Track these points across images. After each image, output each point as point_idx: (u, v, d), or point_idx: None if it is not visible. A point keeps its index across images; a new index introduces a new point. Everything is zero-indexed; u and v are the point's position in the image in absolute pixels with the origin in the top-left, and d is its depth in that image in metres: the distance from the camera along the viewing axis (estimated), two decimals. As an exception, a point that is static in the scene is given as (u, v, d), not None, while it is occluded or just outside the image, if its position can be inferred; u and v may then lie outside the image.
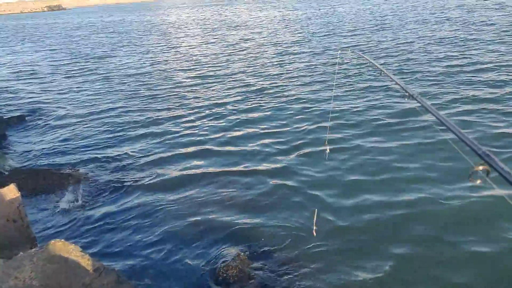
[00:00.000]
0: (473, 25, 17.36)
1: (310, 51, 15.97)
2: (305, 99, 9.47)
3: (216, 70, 14.29)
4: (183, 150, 7.16)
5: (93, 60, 19.76)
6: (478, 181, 1.19)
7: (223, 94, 10.80)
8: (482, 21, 17.99)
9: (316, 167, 5.96)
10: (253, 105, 9.44)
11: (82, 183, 6.16)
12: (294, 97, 9.73)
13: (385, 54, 13.67)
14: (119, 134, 8.37)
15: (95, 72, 16.33)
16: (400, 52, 13.63)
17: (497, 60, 10.90)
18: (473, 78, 9.64)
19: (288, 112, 8.68)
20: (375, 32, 19.30)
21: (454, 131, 1.40)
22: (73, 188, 5.99)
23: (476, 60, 11.26)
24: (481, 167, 1.16)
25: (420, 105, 1.81)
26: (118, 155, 7.24)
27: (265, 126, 7.99)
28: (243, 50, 18.22)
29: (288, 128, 7.74)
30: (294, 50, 16.66)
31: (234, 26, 30.49)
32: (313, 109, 8.71)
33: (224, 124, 8.37)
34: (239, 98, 10.21)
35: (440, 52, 12.89)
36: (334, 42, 17.64)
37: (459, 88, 9.01)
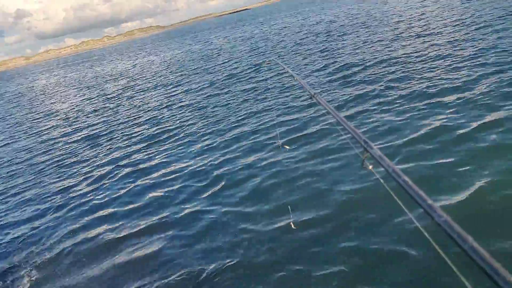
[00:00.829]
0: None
1: (197, 87, 16.27)
2: (203, 134, 9.57)
3: (100, 126, 13.61)
4: (86, 228, 6.47)
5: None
6: (370, 167, 1.38)
7: (115, 151, 10.28)
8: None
9: (243, 199, 6.01)
10: (151, 154, 9.12)
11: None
12: (192, 134, 9.77)
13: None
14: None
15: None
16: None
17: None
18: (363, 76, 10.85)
19: (192, 151, 8.63)
20: (252, 57, 20.54)
21: (342, 123, 1.59)
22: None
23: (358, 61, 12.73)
24: (369, 154, 1.33)
25: (319, 103, 2.02)
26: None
27: (166, 173, 7.78)
28: (129, 99, 17.72)
29: (195, 167, 7.68)
30: (179, 90, 16.80)
31: (113, 78, 29.57)
32: (212, 143, 8.81)
33: (124, 182, 7.88)
34: (133, 150, 9.76)
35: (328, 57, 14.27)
36: (215, 73, 18.28)
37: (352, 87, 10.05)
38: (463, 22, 14.58)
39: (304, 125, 8.19)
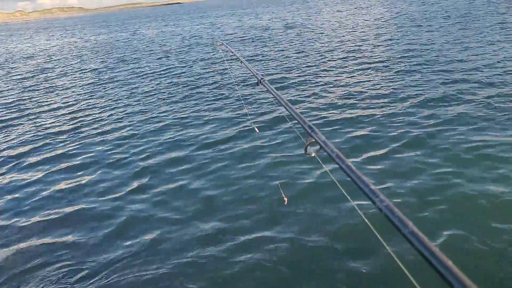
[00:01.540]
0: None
1: (122, 76, 15.48)
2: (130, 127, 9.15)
3: (7, 108, 12.23)
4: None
5: None
6: (313, 154, 1.42)
7: (22, 140, 9.31)
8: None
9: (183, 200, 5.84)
10: (62, 144, 8.35)
11: None
12: (113, 127, 9.28)
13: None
14: None
15: None
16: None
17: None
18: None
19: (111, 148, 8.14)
20: (181, 54, 20.14)
21: (287, 108, 1.64)
22: None
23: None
24: (313, 140, 1.35)
25: (265, 88, 2.05)
26: None
27: (78, 165, 7.28)
28: (44, 83, 16.21)
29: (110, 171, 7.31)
30: (103, 78, 15.85)
31: (27, 57, 26.78)
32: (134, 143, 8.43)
33: (31, 171, 7.16)
34: (48, 141, 8.75)
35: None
36: (142, 66, 17.59)
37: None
38: (392, 45, 15.91)
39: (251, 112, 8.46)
